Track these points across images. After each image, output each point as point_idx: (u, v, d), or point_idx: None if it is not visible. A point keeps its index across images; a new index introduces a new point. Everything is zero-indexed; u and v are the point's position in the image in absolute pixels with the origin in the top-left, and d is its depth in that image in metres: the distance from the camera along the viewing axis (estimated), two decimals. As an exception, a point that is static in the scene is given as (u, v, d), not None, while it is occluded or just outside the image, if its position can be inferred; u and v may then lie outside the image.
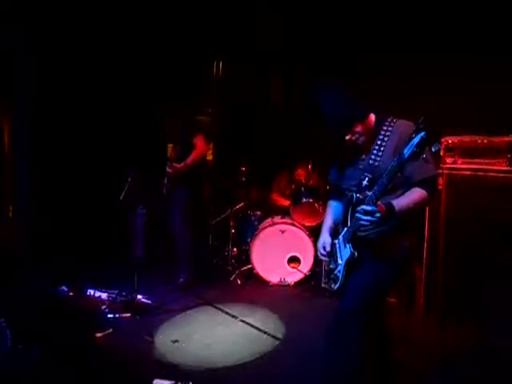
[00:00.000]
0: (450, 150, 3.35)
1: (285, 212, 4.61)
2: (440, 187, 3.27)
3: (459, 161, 3.32)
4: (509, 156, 3.08)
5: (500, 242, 3.05)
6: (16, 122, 4.14)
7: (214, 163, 5.34)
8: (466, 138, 3.30)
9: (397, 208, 1.85)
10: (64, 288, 3.52)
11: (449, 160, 3.34)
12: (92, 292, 3.65)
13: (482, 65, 3.63)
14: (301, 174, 4.79)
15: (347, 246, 2.04)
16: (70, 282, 3.59)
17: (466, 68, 3.71)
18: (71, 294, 3.52)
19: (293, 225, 4.34)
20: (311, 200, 4.42)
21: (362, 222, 1.87)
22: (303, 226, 4.39)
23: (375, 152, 1.93)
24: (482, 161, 3.23)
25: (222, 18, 4.71)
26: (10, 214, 4.27)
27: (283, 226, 4.33)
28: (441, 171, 3.31)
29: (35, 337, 2.59)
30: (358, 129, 1.97)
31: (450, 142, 3.35)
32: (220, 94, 5.35)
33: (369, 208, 1.82)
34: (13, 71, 3.96)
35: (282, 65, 5.10)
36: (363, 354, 1.98)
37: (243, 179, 4.68)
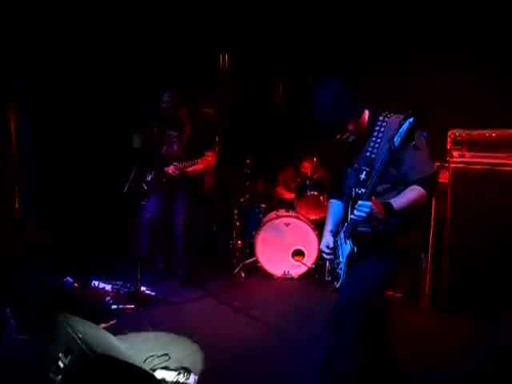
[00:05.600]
0: (457, 143, 3.29)
1: (289, 205, 4.59)
2: (446, 181, 3.23)
3: (467, 154, 3.26)
4: (519, 149, 3.04)
5: (508, 236, 3.01)
6: (21, 119, 4.14)
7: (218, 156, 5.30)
8: (474, 132, 3.24)
9: (395, 206, 1.84)
10: (69, 279, 3.54)
11: (456, 154, 3.28)
12: (96, 283, 3.67)
13: (489, 58, 3.56)
14: (306, 166, 4.76)
15: (348, 242, 2.05)
16: (74, 273, 3.61)
17: (473, 61, 3.65)
18: (76, 285, 3.54)
19: (297, 218, 4.32)
20: (316, 193, 4.40)
21: (354, 217, 1.89)
22: (308, 219, 4.37)
23: (371, 145, 1.93)
24: (490, 154, 3.18)
25: (228, 11, 4.66)
26: (17, 205, 4.30)
27: (288, 219, 4.31)
28: (447, 165, 3.26)
29: (39, 326, 2.62)
30: (350, 127, 1.97)
31: (457, 135, 3.29)
32: (225, 86, 5.31)
33: (361, 202, 1.83)
34: (15, 70, 3.95)
35: (286, 64, 5.04)
36: (362, 346, 1.98)
37: (248, 172, 4.66)
